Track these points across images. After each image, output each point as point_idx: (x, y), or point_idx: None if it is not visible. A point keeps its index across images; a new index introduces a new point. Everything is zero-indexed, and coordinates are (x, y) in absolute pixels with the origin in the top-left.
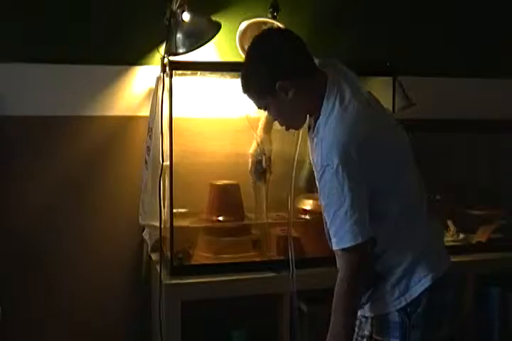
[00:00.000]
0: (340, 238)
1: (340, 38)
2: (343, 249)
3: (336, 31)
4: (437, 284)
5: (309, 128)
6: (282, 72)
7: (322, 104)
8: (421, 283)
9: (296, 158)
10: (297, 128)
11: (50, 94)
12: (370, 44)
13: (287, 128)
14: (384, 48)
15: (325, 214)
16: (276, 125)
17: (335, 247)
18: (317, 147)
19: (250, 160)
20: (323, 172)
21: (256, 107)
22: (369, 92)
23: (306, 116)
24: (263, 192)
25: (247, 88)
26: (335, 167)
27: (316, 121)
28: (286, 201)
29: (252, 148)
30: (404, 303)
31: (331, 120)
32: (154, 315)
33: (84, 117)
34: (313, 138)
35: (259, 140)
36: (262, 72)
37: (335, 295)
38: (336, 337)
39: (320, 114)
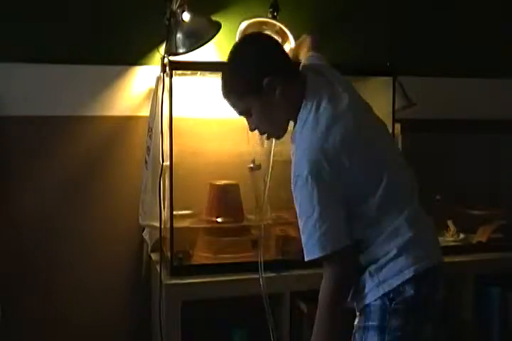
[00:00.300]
0: (308, 249)
1: (340, 38)
2: (325, 259)
3: (336, 31)
4: (421, 278)
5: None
6: (270, 68)
7: (301, 106)
8: (403, 273)
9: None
10: (278, 136)
11: (50, 94)
12: (370, 44)
13: (268, 137)
14: (384, 48)
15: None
16: None
17: (306, 258)
18: (293, 155)
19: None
20: (296, 181)
21: (238, 113)
22: (354, 91)
23: (287, 124)
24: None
25: (229, 90)
26: (304, 177)
27: (294, 128)
28: (286, 202)
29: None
30: (382, 292)
31: (306, 127)
32: (154, 315)
33: (84, 117)
34: (292, 146)
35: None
36: (249, 70)
37: (318, 305)
38: None
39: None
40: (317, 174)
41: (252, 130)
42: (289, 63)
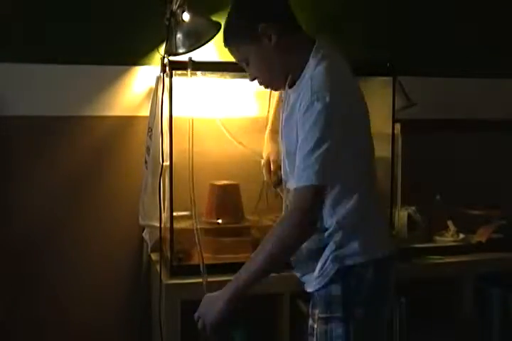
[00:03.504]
0: (307, 174)
1: (340, 38)
2: (304, 187)
3: (335, 31)
4: (379, 263)
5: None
6: (265, 14)
7: (305, 62)
8: (358, 255)
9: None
10: (277, 87)
11: (50, 94)
12: (370, 44)
13: (267, 87)
14: (384, 48)
15: (298, 150)
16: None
17: (297, 184)
18: (301, 89)
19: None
20: (310, 105)
21: (238, 62)
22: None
23: (286, 75)
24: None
25: (228, 37)
26: (324, 103)
27: (297, 80)
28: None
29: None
30: (335, 269)
31: (320, 66)
32: (154, 315)
33: (84, 117)
34: (289, 96)
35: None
36: (244, 16)
37: (268, 234)
38: (238, 280)
39: (302, 72)
40: (336, 104)
41: (251, 80)
42: (290, 14)
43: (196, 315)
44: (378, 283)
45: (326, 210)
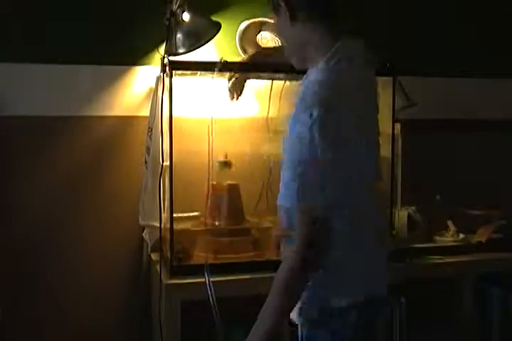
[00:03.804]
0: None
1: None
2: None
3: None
4: (363, 306)
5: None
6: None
7: (319, 57)
8: (340, 297)
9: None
10: (295, 65)
11: (50, 94)
12: (370, 44)
13: (288, 58)
14: (384, 48)
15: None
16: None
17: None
18: (304, 85)
19: None
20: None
21: None
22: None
23: (303, 57)
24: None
25: None
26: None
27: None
28: None
29: None
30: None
31: (331, 64)
32: (154, 315)
33: (85, 117)
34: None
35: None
36: None
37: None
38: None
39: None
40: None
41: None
42: (320, 3)
43: None
44: (362, 327)
45: None
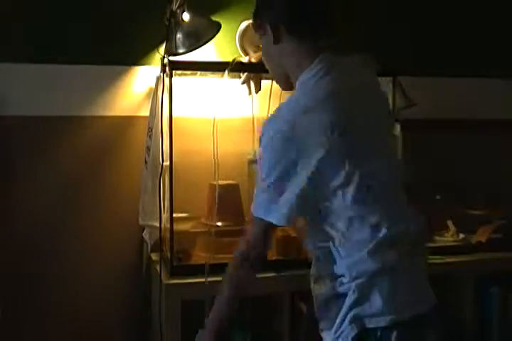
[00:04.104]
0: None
1: (339, 38)
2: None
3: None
4: (407, 325)
5: None
6: (266, 12)
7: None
8: (379, 316)
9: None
10: (280, 85)
11: (50, 94)
12: (369, 44)
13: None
14: (384, 48)
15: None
16: None
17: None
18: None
19: None
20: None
21: None
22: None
23: (286, 76)
24: None
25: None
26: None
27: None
28: None
29: None
30: (353, 332)
31: (302, 89)
32: (154, 315)
33: (85, 117)
34: None
35: None
36: (258, 2)
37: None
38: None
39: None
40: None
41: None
42: (305, 18)
43: None
44: None
45: (334, 249)
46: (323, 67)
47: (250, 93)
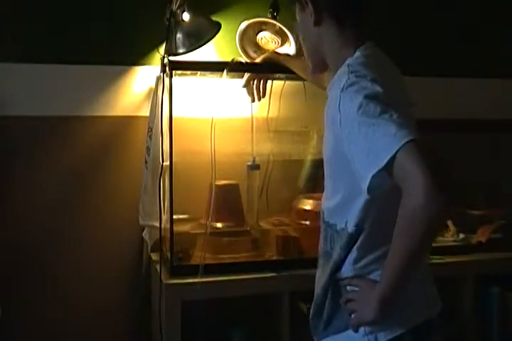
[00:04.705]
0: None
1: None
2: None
3: None
4: (419, 330)
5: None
6: None
7: (345, 58)
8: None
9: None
10: (312, 68)
11: (50, 94)
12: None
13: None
14: (384, 48)
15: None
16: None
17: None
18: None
19: None
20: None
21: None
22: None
23: (322, 60)
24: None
25: None
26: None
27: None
28: (285, 204)
29: None
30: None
31: (365, 53)
32: (154, 315)
33: (85, 117)
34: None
35: None
36: None
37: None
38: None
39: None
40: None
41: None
42: (350, 7)
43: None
44: None
45: (342, 254)
46: (370, 56)
47: (253, 100)
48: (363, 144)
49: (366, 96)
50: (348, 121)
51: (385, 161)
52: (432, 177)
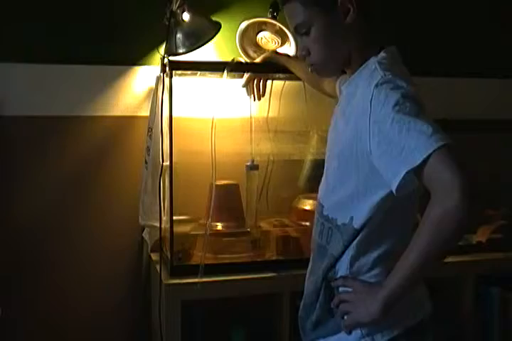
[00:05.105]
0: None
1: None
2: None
3: None
4: (414, 331)
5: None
6: None
7: (367, 58)
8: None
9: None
10: (328, 73)
11: (50, 94)
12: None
13: (316, 70)
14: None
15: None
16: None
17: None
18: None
19: None
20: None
21: (292, 28)
22: None
23: (344, 61)
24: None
25: None
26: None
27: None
28: (285, 204)
29: None
30: None
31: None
32: (154, 315)
33: (84, 117)
34: (341, 91)
35: None
36: None
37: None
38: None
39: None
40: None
41: (301, 56)
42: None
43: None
44: None
45: (342, 256)
46: (397, 58)
47: (255, 100)
48: (395, 141)
49: (403, 95)
50: (380, 117)
51: (419, 161)
52: (466, 182)
